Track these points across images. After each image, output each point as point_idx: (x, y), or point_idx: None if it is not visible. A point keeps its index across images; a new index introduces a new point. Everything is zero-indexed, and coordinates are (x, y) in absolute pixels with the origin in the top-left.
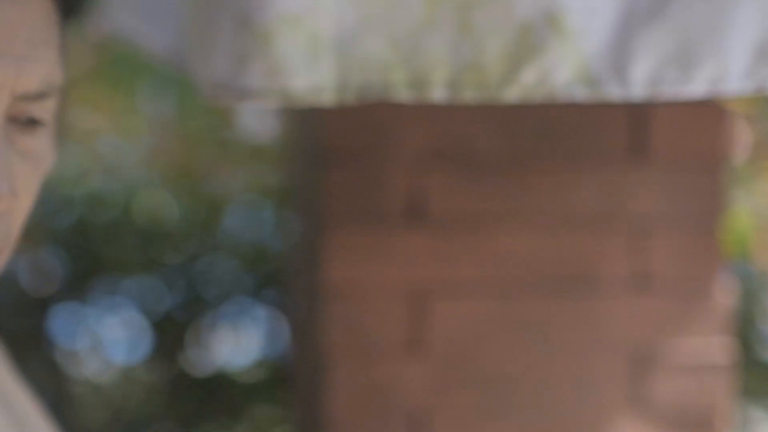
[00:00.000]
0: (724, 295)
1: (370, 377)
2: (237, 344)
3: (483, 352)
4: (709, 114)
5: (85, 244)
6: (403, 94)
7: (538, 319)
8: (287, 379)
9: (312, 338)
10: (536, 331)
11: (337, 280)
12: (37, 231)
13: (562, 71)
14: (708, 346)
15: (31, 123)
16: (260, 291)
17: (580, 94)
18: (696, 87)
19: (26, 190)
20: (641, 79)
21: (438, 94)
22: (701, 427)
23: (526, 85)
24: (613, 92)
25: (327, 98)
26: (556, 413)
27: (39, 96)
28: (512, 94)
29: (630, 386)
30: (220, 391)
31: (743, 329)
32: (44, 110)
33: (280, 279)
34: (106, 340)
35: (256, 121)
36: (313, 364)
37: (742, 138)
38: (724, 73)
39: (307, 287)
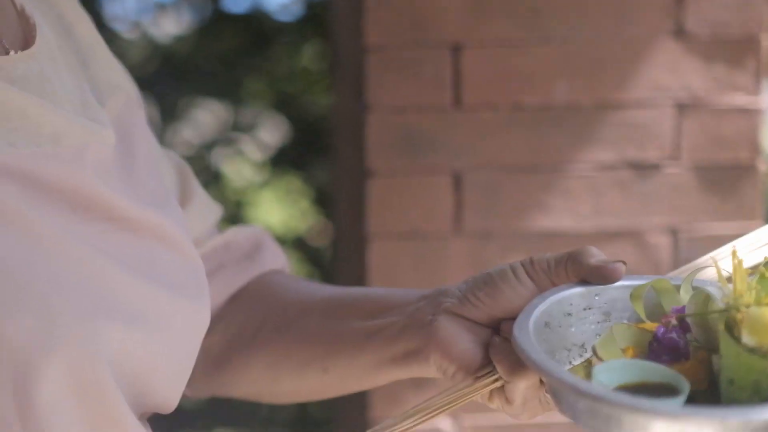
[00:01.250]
0: None
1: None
2: None
3: None
4: None
5: None
6: None
7: None
8: (324, 15)
9: None
10: None
11: None
12: None
13: None
14: None
15: None
16: None
17: None
18: None
19: None
20: None
21: None
22: (740, 51)
23: None
24: None
25: None
26: (595, 37)
27: None
28: None
29: (673, 17)
30: (258, 27)
31: None
32: None
33: None
34: None
35: None
36: None
37: None
38: None
39: None
